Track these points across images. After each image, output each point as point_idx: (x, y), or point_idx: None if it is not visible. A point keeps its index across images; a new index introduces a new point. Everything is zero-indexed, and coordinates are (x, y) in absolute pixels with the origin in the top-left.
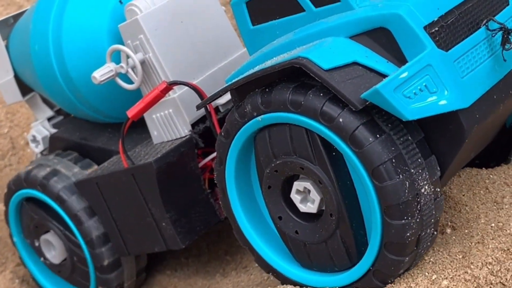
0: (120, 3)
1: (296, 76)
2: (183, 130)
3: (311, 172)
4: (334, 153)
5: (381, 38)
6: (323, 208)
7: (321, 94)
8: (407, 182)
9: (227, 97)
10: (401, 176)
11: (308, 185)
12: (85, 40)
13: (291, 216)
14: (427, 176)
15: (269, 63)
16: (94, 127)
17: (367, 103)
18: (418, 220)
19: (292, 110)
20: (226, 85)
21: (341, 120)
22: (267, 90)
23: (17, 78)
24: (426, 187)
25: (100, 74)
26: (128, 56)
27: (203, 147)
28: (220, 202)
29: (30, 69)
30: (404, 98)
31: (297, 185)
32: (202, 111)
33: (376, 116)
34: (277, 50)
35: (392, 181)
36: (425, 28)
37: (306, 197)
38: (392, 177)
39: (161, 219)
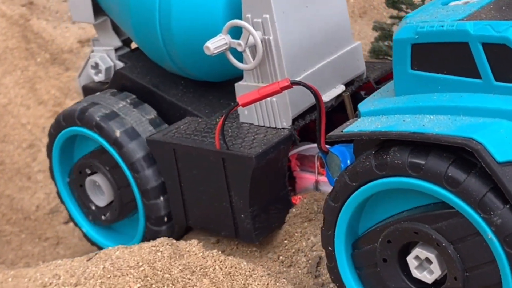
0: None
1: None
2: (282, 123)
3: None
4: None
5: None
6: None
7: (503, 204)
8: None
9: (331, 95)
10: None
11: (432, 257)
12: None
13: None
14: None
15: (429, 125)
16: (166, 74)
17: None
18: None
19: (468, 202)
20: (370, 129)
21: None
22: (451, 163)
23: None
24: None
25: (214, 46)
26: (249, 35)
27: (297, 145)
28: (327, 267)
29: (122, 2)
30: None
31: (419, 252)
32: (304, 106)
33: None
34: (436, 109)
35: None
36: None
37: (423, 265)
38: None
39: (241, 211)
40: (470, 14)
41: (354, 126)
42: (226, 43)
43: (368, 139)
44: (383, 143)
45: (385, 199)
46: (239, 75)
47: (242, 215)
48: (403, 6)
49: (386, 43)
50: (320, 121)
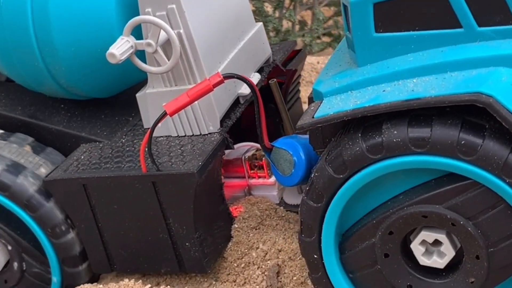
0: None
1: None
2: (208, 128)
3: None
4: None
5: None
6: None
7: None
8: None
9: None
10: None
11: (442, 237)
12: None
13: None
14: None
15: (418, 89)
16: (40, 101)
17: None
18: None
19: (489, 169)
20: (349, 108)
21: None
22: (461, 128)
23: None
24: None
25: (120, 52)
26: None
27: (231, 149)
28: (310, 278)
29: None
30: None
31: (426, 235)
32: (228, 104)
33: None
34: (417, 71)
35: None
36: None
37: (429, 249)
38: None
39: (185, 239)
40: None
41: (325, 109)
42: (132, 46)
43: (347, 119)
44: (347, 124)
45: (374, 187)
46: (133, 85)
47: (186, 244)
48: None
49: None
50: (260, 116)
